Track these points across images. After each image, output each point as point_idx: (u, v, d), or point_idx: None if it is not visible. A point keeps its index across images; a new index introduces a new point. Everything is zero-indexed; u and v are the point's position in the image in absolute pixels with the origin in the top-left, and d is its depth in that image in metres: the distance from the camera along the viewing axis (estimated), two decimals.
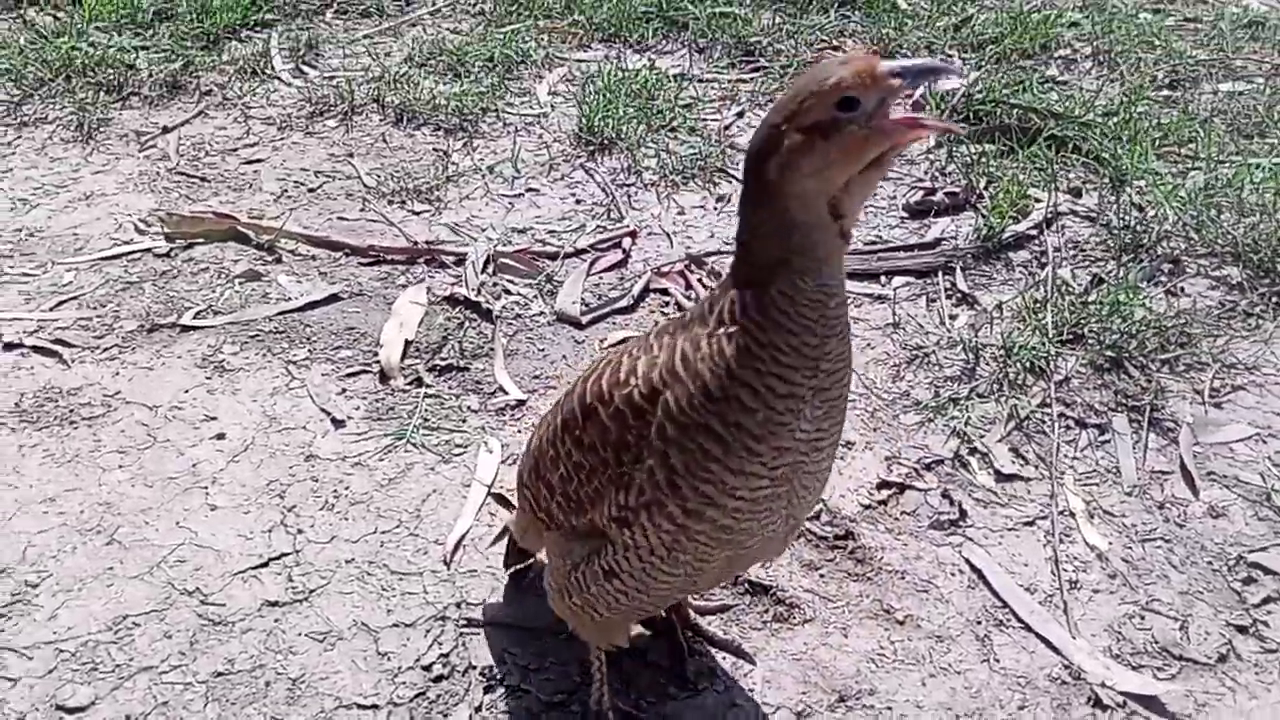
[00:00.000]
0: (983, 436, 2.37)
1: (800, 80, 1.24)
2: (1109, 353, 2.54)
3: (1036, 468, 2.30)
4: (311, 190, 3.37)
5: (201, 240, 3.10)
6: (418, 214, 3.23)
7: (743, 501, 1.38)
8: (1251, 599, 1.99)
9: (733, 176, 3.38)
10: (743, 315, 1.31)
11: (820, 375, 1.33)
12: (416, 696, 1.82)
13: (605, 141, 3.52)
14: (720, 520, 1.39)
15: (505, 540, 2.01)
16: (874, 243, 3.07)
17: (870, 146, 1.21)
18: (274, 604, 1.99)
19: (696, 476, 1.36)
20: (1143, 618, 1.96)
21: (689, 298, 2.85)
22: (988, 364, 2.57)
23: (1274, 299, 2.73)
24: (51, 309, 2.82)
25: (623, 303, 2.84)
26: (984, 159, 3.34)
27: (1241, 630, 1.93)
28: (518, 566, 1.99)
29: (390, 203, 3.29)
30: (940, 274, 2.93)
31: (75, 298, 2.87)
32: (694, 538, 1.42)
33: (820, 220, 1.25)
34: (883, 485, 2.25)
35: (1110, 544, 2.10)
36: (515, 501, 1.90)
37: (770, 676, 1.85)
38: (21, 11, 4.45)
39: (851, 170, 1.23)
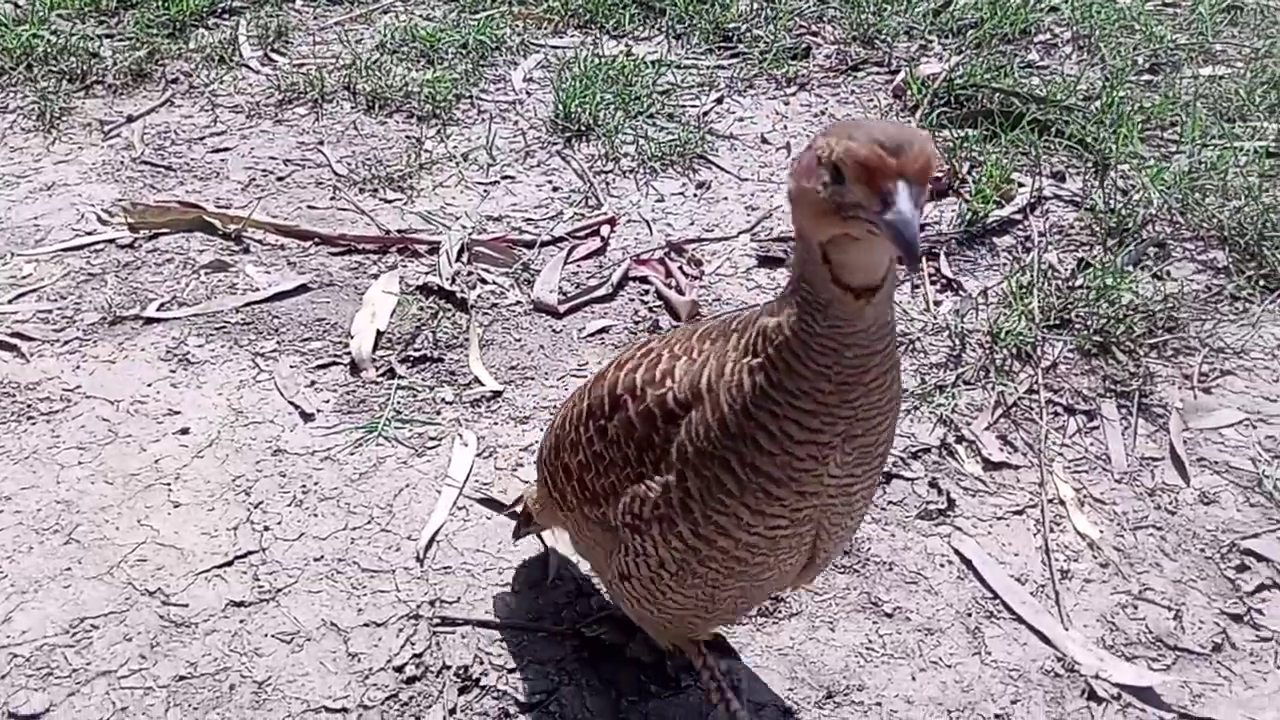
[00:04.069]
0: (970, 424, 2.32)
1: (841, 126, 1.11)
2: (1096, 338, 2.50)
3: (1025, 455, 2.25)
4: (280, 179, 3.28)
5: (166, 230, 3.00)
6: (390, 202, 3.15)
7: (759, 538, 1.31)
8: (1245, 587, 1.94)
9: (712, 163, 3.31)
10: (763, 349, 1.22)
11: (845, 423, 1.22)
12: (388, 699, 1.75)
13: (582, 128, 3.44)
14: (733, 551, 1.33)
15: (520, 509, 1.93)
16: None
17: (829, 221, 1.10)
18: (239, 604, 1.91)
19: (710, 505, 1.29)
20: (1136, 607, 1.91)
21: (669, 286, 2.78)
22: (974, 350, 2.52)
23: (1261, 282, 2.70)
24: (10, 301, 2.72)
25: (601, 291, 2.77)
26: (966, 144, 3.29)
27: (1236, 619, 1.89)
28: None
29: (362, 191, 3.20)
30: (925, 260, 2.87)
31: (35, 290, 2.77)
32: (705, 563, 1.35)
33: (815, 259, 1.15)
34: None
35: (1101, 532, 2.06)
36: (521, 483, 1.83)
37: (756, 672, 1.79)
38: None
39: (822, 229, 1.12)
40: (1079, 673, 1.78)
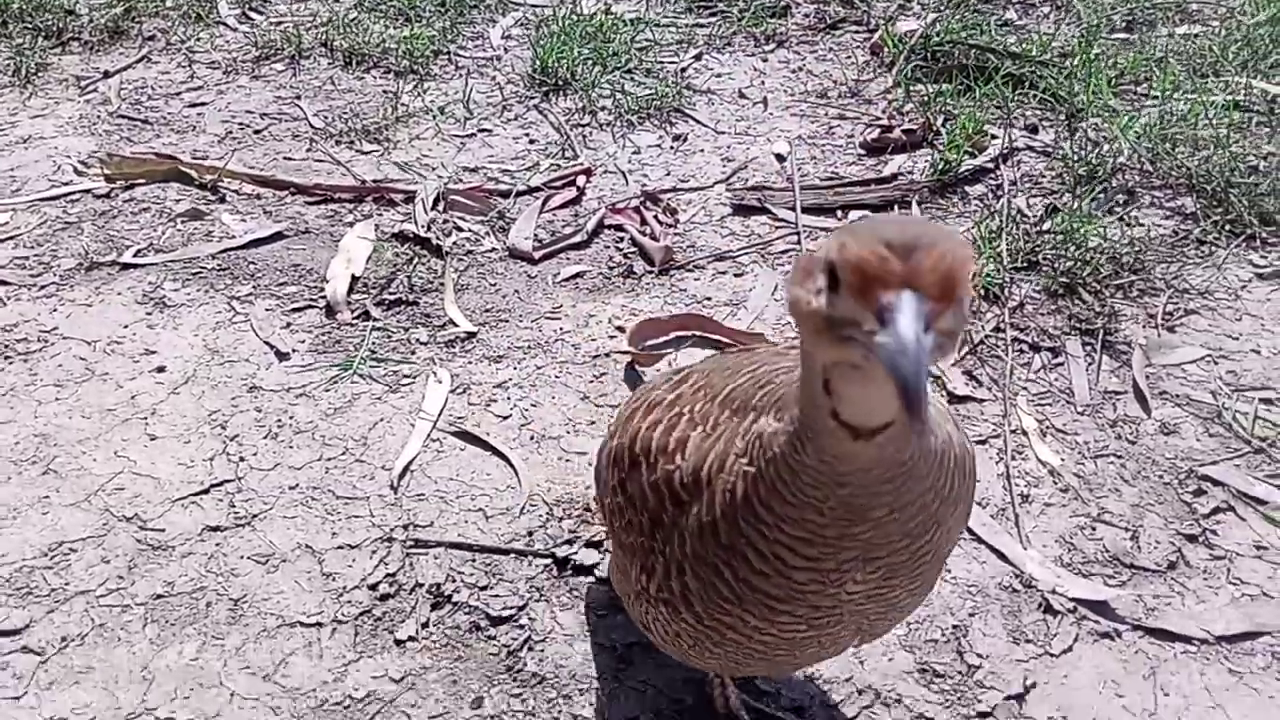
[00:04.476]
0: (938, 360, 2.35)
1: (861, 223, 0.87)
2: (1063, 279, 2.54)
3: (990, 390, 2.29)
4: (257, 132, 3.29)
5: (143, 181, 3.01)
6: (366, 154, 3.16)
7: (774, 638, 1.14)
8: (1201, 510, 1.99)
9: (689, 117, 3.33)
10: (757, 458, 1.03)
11: (854, 551, 1.02)
12: (362, 614, 1.78)
13: (560, 82, 3.46)
14: (746, 646, 1.16)
15: None
16: (830, 178, 3.04)
17: (824, 341, 0.85)
18: (215, 529, 1.94)
19: (710, 607, 1.12)
20: (1094, 529, 1.96)
21: (644, 233, 2.81)
22: None
23: (1226, 227, 2.74)
24: None
25: (576, 239, 2.79)
26: (941, 97, 3.32)
27: (1191, 539, 1.93)
28: None
29: (338, 143, 3.21)
30: (896, 208, 2.91)
31: (11, 238, 2.78)
32: (720, 645, 1.19)
33: (814, 383, 0.93)
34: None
35: (1062, 460, 2.10)
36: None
37: None
38: None
39: (821, 351, 0.88)
40: (1036, 588, 1.83)
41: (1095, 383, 2.30)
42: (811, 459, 0.96)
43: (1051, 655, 1.73)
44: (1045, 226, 2.70)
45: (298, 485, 2.04)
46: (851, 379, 0.87)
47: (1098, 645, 1.74)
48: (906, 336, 0.74)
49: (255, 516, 1.96)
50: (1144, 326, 2.44)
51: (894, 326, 0.75)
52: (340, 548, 1.90)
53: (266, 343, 2.41)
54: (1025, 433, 2.16)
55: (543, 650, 1.73)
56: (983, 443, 2.14)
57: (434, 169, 3.08)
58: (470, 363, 2.38)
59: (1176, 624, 1.77)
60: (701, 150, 3.18)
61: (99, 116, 3.35)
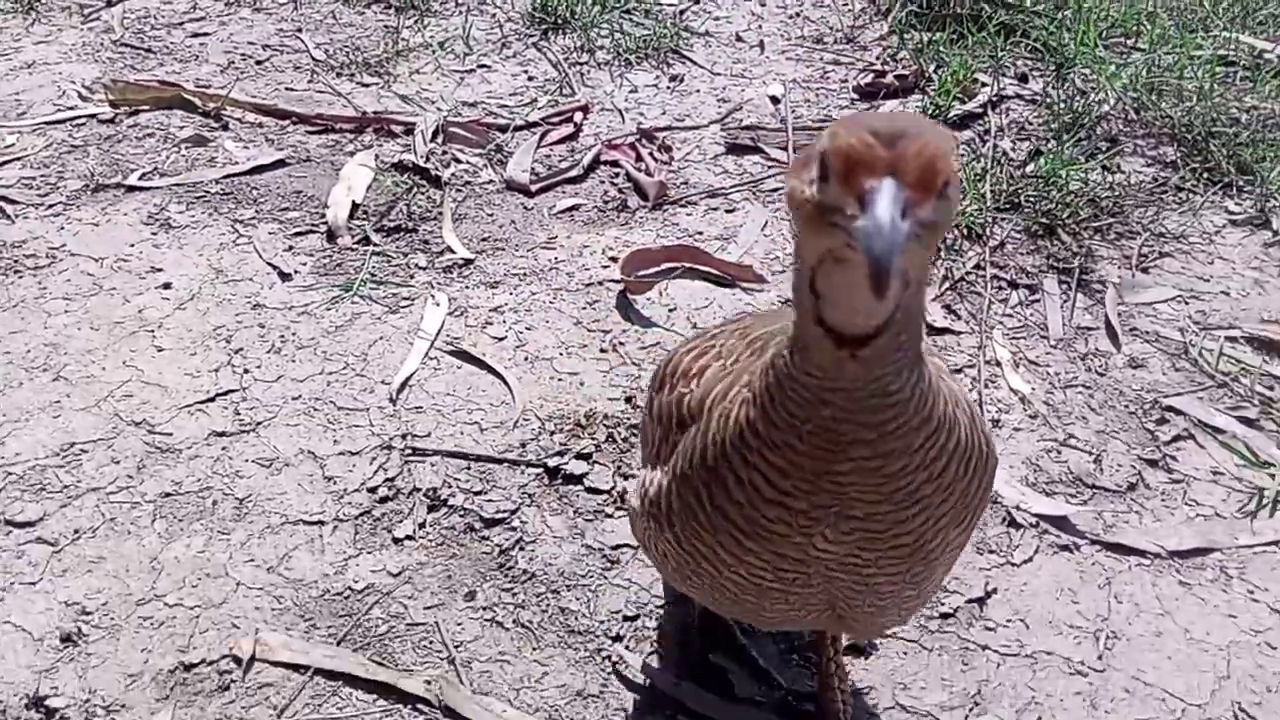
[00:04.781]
0: None
1: (853, 116, 0.90)
2: (1043, 220, 2.62)
3: (968, 323, 2.37)
4: (259, 63, 3.33)
5: (147, 107, 3.06)
6: (366, 86, 3.21)
7: (741, 579, 1.16)
8: (1163, 437, 2.09)
9: (686, 58, 3.38)
10: (757, 384, 1.05)
11: (829, 496, 1.02)
12: (362, 514, 1.88)
13: (559, 21, 3.50)
14: (717, 579, 1.19)
15: None
16: (822, 121, 3.10)
17: (815, 231, 0.88)
18: (221, 434, 2.03)
19: (686, 531, 1.16)
20: (1059, 453, 2.05)
21: (638, 169, 2.87)
22: None
23: (1205, 175, 2.82)
24: None
25: (572, 173, 2.86)
26: (934, 45, 3.37)
27: (1151, 463, 2.03)
28: None
29: (339, 75, 3.26)
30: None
31: (18, 159, 2.83)
32: (696, 574, 1.22)
33: (803, 287, 0.94)
34: None
35: (1033, 389, 2.19)
36: None
37: None
38: None
39: (809, 244, 0.90)
40: (1001, 503, 1.92)
41: (1069, 319, 2.39)
42: (798, 371, 0.97)
43: (1013, 565, 1.83)
44: (1028, 170, 2.77)
45: (300, 396, 2.12)
46: (834, 274, 0.88)
47: (1057, 557, 1.85)
48: (882, 219, 0.77)
49: (259, 424, 2.05)
50: (1119, 267, 2.52)
51: (872, 210, 0.78)
52: (341, 454, 1.99)
53: (270, 264, 2.48)
54: (999, 363, 2.25)
55: (533, 550, 1.82)
56: (958, 371, 2.24)
57: (433, 103, 3.13)
58: (467, 288, 2.45)
59: (1133, 539, 1.87)
60: (697, 91, 3.23)
61: (102, 44, 3.38)
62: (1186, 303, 2.44)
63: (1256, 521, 1.91)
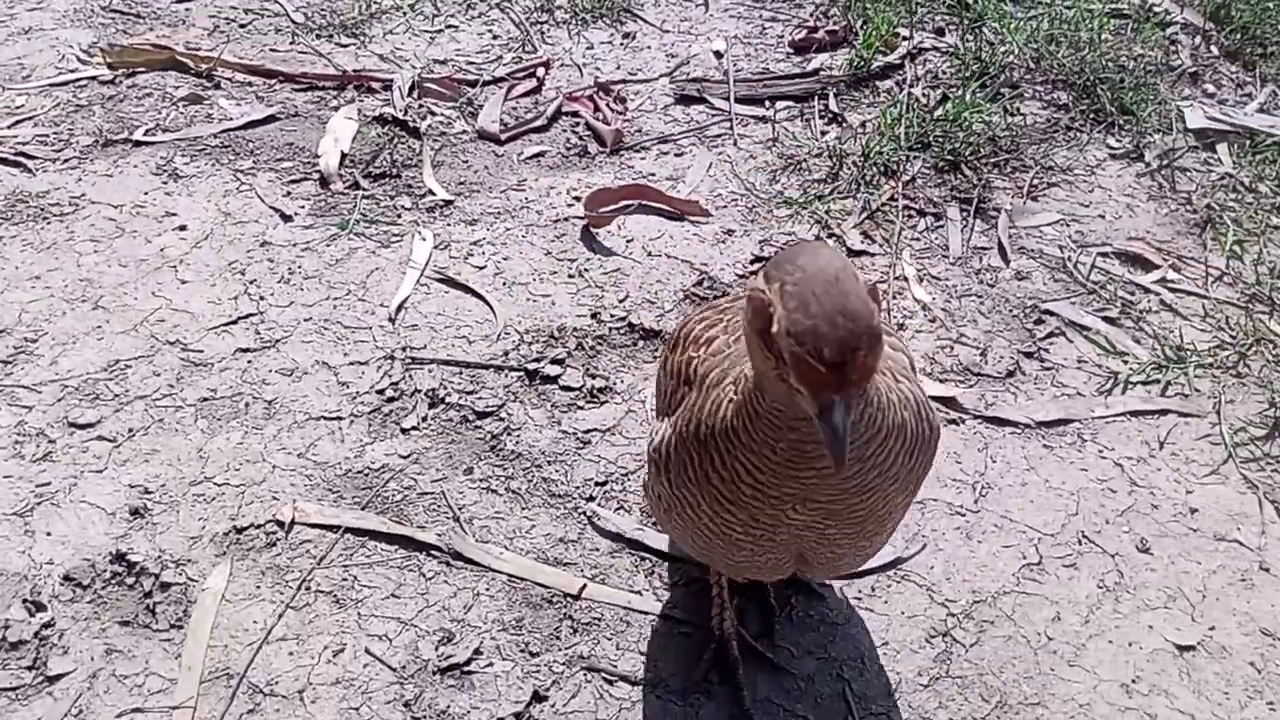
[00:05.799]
0: (840, 224, 2.83)
1: (797, 286, 1.07)
2: (949, 157, 3.01)
3: (881, 247, 2.77)
4: (243, 26, 3.61)
5: (143, 69, 3.34)
6: (344, 46, 3.51)
7: (721, 529, 1.37)
8: (1039, 334, 2.50)
9: (638, 16, 3.71)
10: (741, 392, 1.26)
11: (799, 488, 1.25)
12: (373, 411, 2.24)
13: None
14: (699, 525, 1.39)
15: None
16: (761, 73, 3.46)
17: (771, 383, 1.15)
18: (246, 350, 2.37)
19: (676, 481, 1.37)
20: (952, 348, 2.46)
21: (597, 118, 3.22)
22: (849, 169, 3.02)
23: (1092, 116, 3.22)
24: (8, 128, 3.06)
25: (538, 123, 3.19)
26: (860, 2, 3.73)
27: (1028, 355, 2.45)
28: None
29: (318, 37, 3.55)
30: (816, 99, 3.34)
31: (30, 118, 3.11)
32: (681, 516, 1.42)
33: (753, 352, 1.18)
34: (755, 260, 2.71)
35: (933, 299, 2.60)
36: None
37: None
38: None
39: (760, 363, 1.15)
40: None
41: (967, 240, 2.79)
42: (763, 406, 1.20)
43: None
44: (938, 114, 3.16)
45: (311, 318, 2.46)
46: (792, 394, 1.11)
47: (946, 430, 2.26)
48: (840, 430, 1.06)
49: (278, 341, 2.40)
50: (1012, 196, 2.93)
51: (833, 419, 1.05)
52: (351, 364, 2.35)
53: (272, 207, 2.80)
54: (906, 279, 2.65)
55: (518, 435, 2.20)
56: None
57: (407, 61, 3.44)
58: (449, 225, 2.80)
59: (1008, 413, 2.29)
60: (648, 47, 3.57)
61: (93, 10, 3.64)
62: (1068, 225, 2.86)
63: (1110, 398, 2.34)
